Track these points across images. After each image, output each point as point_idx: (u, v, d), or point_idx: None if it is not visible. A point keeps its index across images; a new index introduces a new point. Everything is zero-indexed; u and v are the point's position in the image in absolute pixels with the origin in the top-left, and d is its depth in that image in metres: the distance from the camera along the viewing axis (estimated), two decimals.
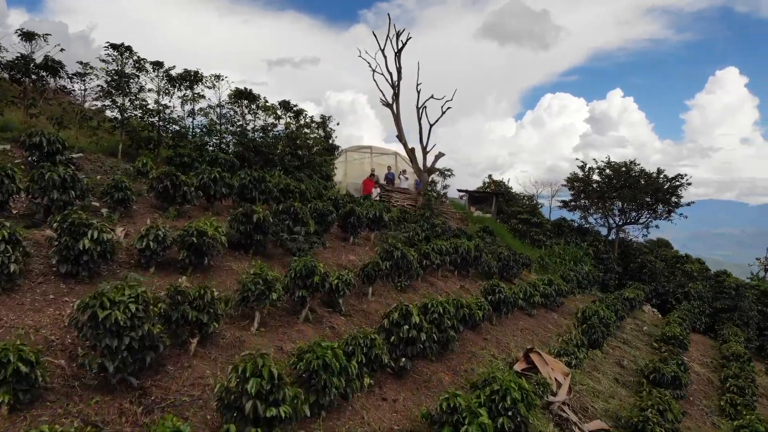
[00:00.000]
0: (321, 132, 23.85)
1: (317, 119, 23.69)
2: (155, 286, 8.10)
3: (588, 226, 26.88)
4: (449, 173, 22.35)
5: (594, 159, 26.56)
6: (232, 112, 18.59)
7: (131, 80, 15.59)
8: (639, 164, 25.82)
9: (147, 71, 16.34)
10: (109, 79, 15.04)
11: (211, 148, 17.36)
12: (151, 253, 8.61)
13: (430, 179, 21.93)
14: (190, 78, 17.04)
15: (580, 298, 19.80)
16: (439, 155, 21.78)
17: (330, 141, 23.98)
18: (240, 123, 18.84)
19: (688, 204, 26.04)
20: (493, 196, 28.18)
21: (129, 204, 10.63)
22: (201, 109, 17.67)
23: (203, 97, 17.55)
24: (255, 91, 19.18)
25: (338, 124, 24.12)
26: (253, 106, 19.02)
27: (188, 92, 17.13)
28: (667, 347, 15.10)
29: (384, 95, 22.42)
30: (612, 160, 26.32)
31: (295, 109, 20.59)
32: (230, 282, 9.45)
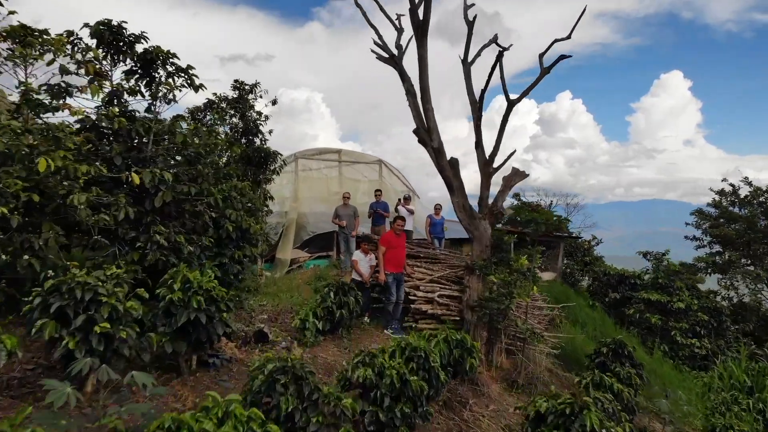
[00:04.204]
0: (236, 120, 10.67)
1: (226, 92, 10.50)
2: None
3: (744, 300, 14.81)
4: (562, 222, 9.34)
5: (746, 180, 14.59)
6: None
7: None
8: None
9: None
10: None
11: None
12: None
13: (490, 228, 9.03)
14: None
15: None
16: (517, 176, 9.01)
17: (259, 141, 10.83)
18: None
19: None
20: (559, 240, 15.60)
21: None
22: None
23: None
24: None
25: (275, 102, 10.98)
26: None
27: None
28: None
29: (380, 38, 9.40)
30: None
31: (144, 50, 7.31)
32: None
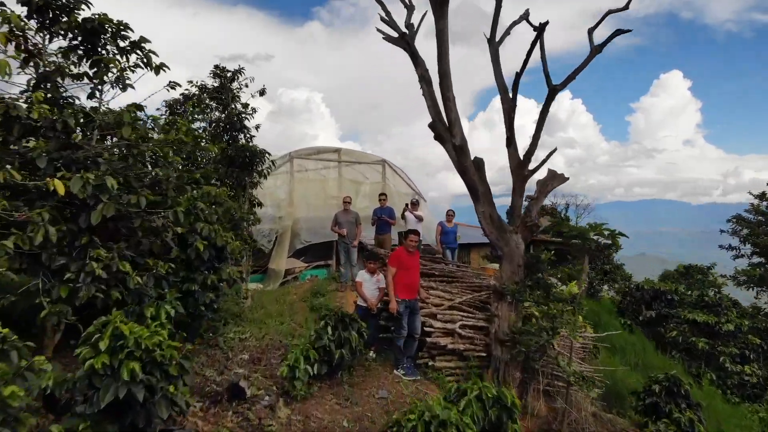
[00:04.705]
0: (218, 114, 9.10)
1: (204, 80, 8.95)
2: None
3: None
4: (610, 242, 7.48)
5: None
6: None
7: None
8: None
9: None
10: None
11: None
12: None
13: (523, 245, 7.39)
14: None
15: None
16: (555, 179, 7.41)
17: (244, 138, 9.22)
18: None
19: None
20: (585, 252, 13.92)
21: None
22: None
23: None
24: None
25: (263, 93, 9.31)
26: None
27: None
28: None
29: (387, 14, 7.79)
30: None
31: (85, 19, 5.67)
32: None
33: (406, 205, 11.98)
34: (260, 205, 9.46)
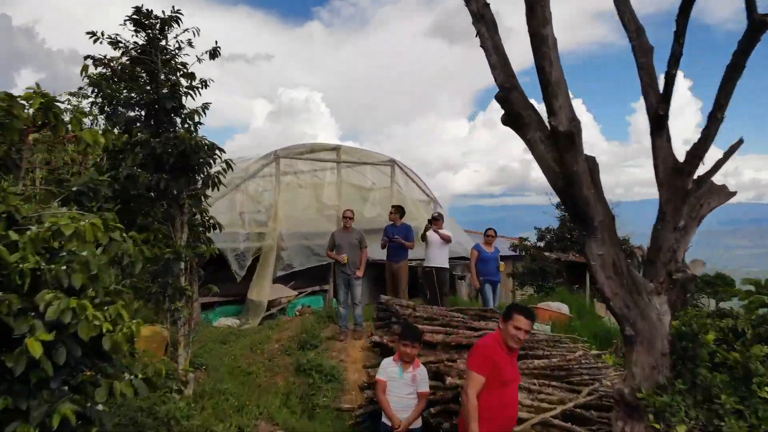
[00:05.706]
0: (148, 87, 5.72)
1: (121, 34, 5.54)
2: None
3: None
4: None
5: None
6: None
7: None
8: None
9: None
10: None
11: None
12: None
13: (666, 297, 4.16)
14: None
15: None
16: (714, 196, 4.21)
17: (182, 124, 5.85)
18: None
19: None
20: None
21: None
22: None
23: None
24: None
25: (214, 55, 5.93)
26: None
27: None
28: None
29: None
30: None
31: None
32: None
33: (429, 221, 8.75)
34: (217, 227, 6.15)
